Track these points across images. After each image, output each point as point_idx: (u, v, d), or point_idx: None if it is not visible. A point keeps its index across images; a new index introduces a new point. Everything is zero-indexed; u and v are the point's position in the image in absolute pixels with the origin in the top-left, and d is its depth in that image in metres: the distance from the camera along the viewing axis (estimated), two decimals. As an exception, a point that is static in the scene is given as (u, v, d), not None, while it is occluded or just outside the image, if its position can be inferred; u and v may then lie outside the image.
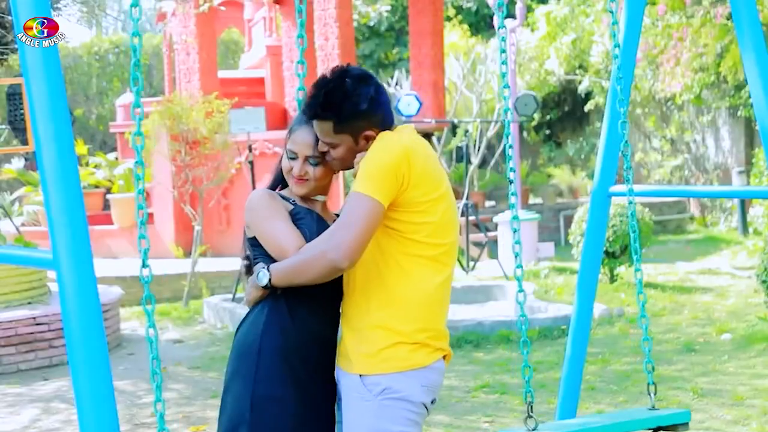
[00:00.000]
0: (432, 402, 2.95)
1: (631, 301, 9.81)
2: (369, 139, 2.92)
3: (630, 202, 4.10)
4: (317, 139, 2.98)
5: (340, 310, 3.02)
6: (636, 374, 6.97)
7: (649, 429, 3.96)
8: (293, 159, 3.03)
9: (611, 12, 3.99)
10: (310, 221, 3.02)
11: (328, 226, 2.98)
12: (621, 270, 10.87)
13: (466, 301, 10.02)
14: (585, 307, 4.52)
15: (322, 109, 2.90)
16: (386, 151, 2.83)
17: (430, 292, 2.90)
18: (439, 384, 2.96)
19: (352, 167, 2.99)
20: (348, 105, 2.89)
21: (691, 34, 14.09)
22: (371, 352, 2.86)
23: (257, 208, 2.99)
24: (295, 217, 3.01)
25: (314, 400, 2.96)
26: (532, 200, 17.56)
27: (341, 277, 2.96)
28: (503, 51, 3.45)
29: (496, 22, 14.12)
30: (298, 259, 2.85)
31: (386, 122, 2.97)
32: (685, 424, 3.97)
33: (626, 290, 10.32)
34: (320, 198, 3.13)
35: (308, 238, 2.93)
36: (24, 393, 7.21)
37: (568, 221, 14.35)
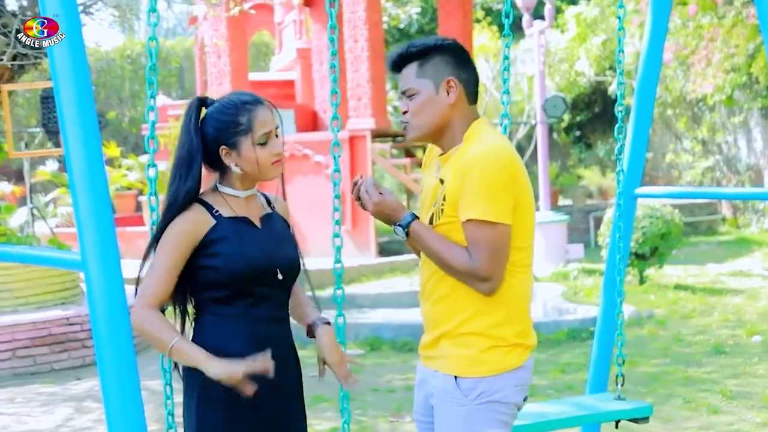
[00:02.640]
0: (524, 400, 2.92)
1: (660, 303, 9.77)
2: (450, 90, 2.87)
3: (619, 205, 4.29)
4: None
5: (430, 314, 2.93)
6: (665, 376, 6.95)
7: (613, 421, 3.97)
8: (265, 144, 2.82)
9: (619, 18, 4.04)
10: (233, 240, 2.79)
11: (259, 232, 2.85)
12: (650, 272, 10.81)
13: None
14: (611, 309, 4.51)
15: (408, 48, 2.90)
16: (498, 168, 2.75)
17: (525, 296, 2.89)
18: (530, 381, 2.93)
19: (423, 135, 2.91)
20: (434, 43, 2.90)
21: (723, 35, 14.00)
22: (467, 355, 2.83)
23: (161, 243, 2.76)
24: (214, 240, 2.77)
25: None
26: (561, 201, 17.51)
27: (280, 288, 2.87)
28: (506, 57, 3.56)
29: (524, 24, 14.12)
30: (449, 256, 2.79)
31: (469, 85, 2.92)
32: (645, 419, 3.95)
33: (656, 292, 10.27)
34: (253, 191, 2.92)
35: (228, 260, 2.75)
36: (57, 392, 7.31)
37: (598, 222, 14.30)
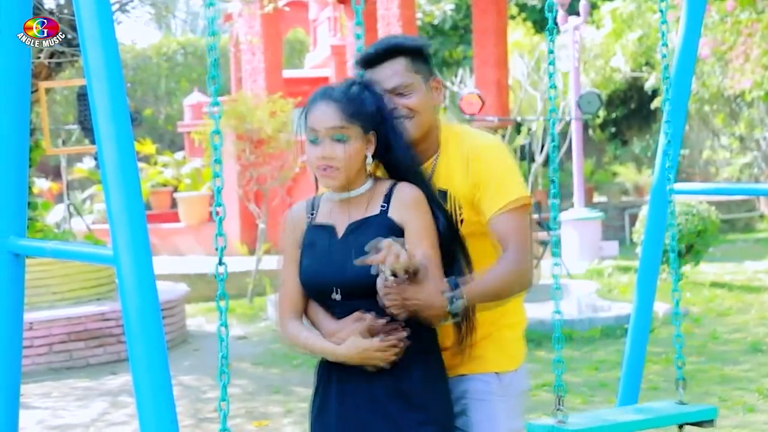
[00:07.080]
0: None
1: (696, 301, 9.68)
2: (437, 90, 2.75)
3: (669, 201, 4.09)
4: (340, 112, 2.52)
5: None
6: (700, 374, 6.89)
7: (676, 425, 3.90)
8: (314, 142, 2.55)
9: (661, 12, 3.96)
10: (306, 251, 2.60)
11: (335, 243, 2.56)
12: (686, 269, 10.72)
13: (527, 300, 9.91)
14: (645, 306, 4.48)
15: (396, 40, 2.74)
16: (509, 154, 2.75)
17: None
18: None
19: (423, 133, 2.71)
20: (418, 42, 2.77)
21: (761, 30, 13.83)
22: (504, 349, 2.80)
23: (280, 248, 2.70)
24: (303, 245, 2.62)
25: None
26: (596, 198, 17.41)
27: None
28: (551, 51, 3.45)
29: (559, 20, 14.05)
30: (495, 279, 2.61)
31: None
32: (711, 421, 3.88)
33: (692, 289, 10.18)
34: (357, 192, 2.58)
35: (302, 273, 2.61)
36: (93, 387, 7.38)
37: (633, 220, 14.20)
